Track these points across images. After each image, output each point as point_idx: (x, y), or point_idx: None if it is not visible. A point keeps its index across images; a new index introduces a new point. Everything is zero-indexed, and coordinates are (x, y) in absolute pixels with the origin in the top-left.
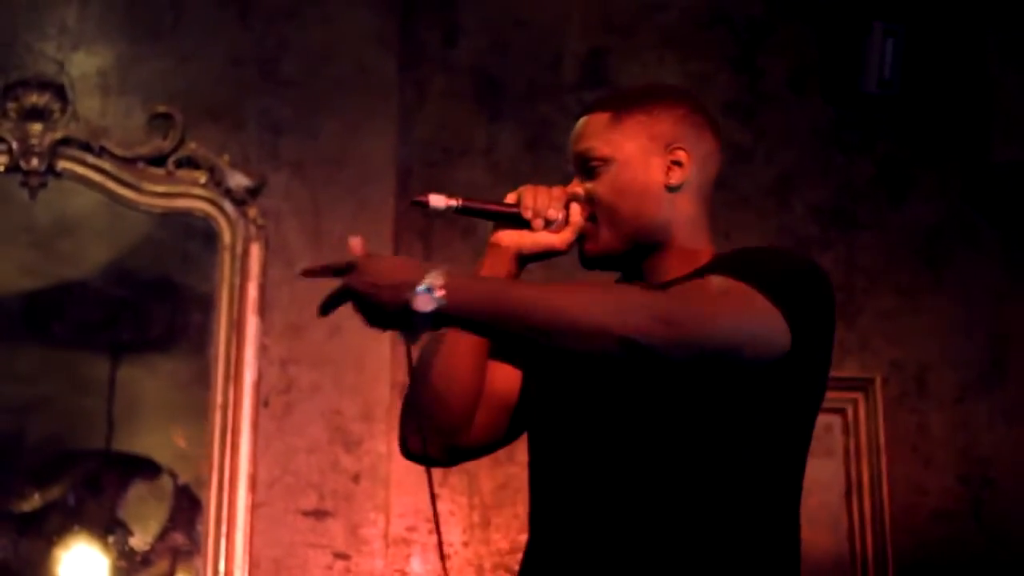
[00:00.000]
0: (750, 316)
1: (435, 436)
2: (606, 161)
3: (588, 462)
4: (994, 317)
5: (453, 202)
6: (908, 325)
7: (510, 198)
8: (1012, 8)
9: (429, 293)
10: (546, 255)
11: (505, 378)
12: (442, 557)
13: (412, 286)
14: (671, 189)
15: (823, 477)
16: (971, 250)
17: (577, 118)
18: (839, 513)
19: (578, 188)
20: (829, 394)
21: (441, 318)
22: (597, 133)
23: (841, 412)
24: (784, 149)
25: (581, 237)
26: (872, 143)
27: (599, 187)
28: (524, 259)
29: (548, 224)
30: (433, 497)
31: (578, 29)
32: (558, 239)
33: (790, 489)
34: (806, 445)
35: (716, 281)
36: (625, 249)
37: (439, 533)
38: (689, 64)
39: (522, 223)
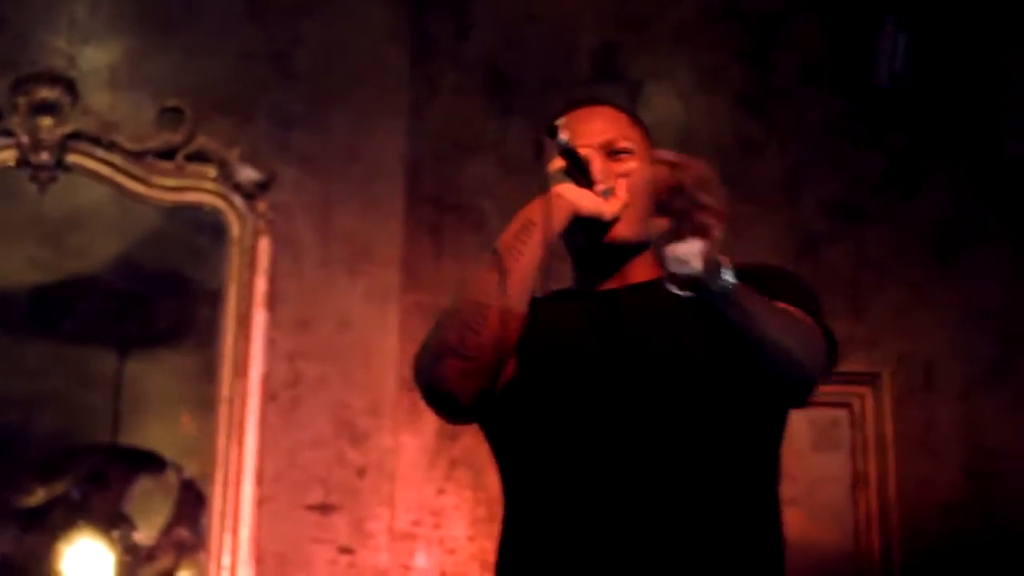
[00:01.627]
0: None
1: (476, 379)
2: (632, 154)
3: (600, 451)
4: (1003, 312)
5: (569, 143)
6: (917, 319)
7: (583, 153)
8: None
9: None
10: (592, 221)
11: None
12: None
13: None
14: None
15: (830, 471)
16: (981, 245)
17: (579, 104)
18: (846, 507)
19: (631, 165)
20: (836, 388)
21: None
22: (624, 126)
23: (848, 406)
24: (795, 143)
25: (615, 218)
26: (883, 137)
27: (634, 177)
28: (575, 218)
29: (605, 193)
30: None
31: (590, 23)
32: (608, 208)
33: (775, 475)
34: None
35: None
36: (637, 242)
37: None
38: (701, 58)
39: (587, 182)
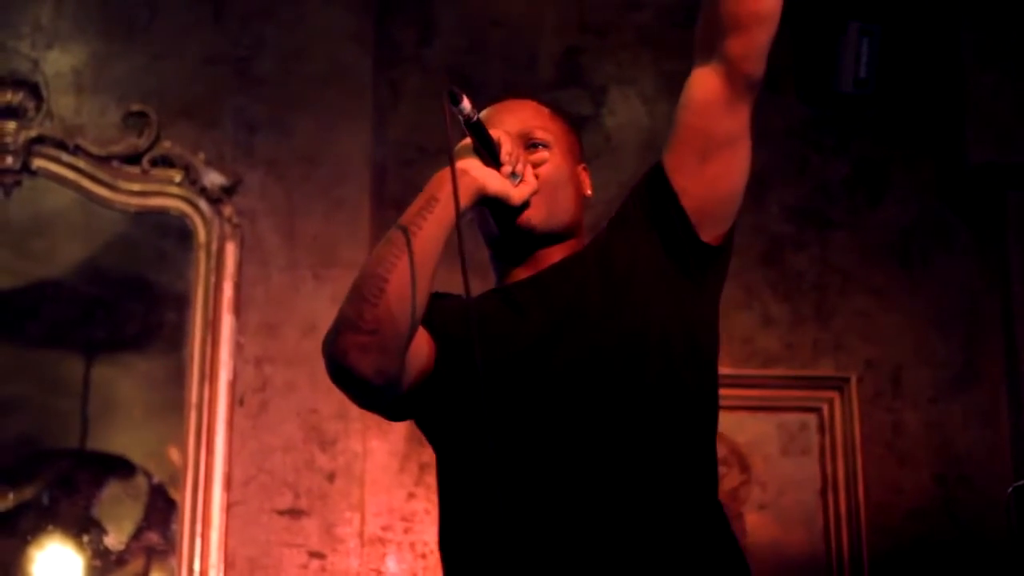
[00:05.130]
0: None
1: (375, 354)
2: (549, 147)
3: (527, 441)
4: (968, 317)
5: (473, 115)
6: (883, 325)
7: (495, 135)
8: (987, 8)
9: None
10: (498, 202)
11: (426, 341)
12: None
13: None
14: (584, 197)
15: (799, 475)
16: (945, 250)
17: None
18: (815, 511)
19: (544, 155)
20: (805, 393)
21: None
22: (544, 119)
23: (816, 411)
24: (759, 148)
25: (524, 204)
26: (847, 143)
27: (547, 167)
28: (482, 199)
29: (513, 176)
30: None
31: (553, 29)
32: (516, 192)
33: (712, 459)
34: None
35: None
36: (546, 232)
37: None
38: (664, 63)
39: (494, 163)
